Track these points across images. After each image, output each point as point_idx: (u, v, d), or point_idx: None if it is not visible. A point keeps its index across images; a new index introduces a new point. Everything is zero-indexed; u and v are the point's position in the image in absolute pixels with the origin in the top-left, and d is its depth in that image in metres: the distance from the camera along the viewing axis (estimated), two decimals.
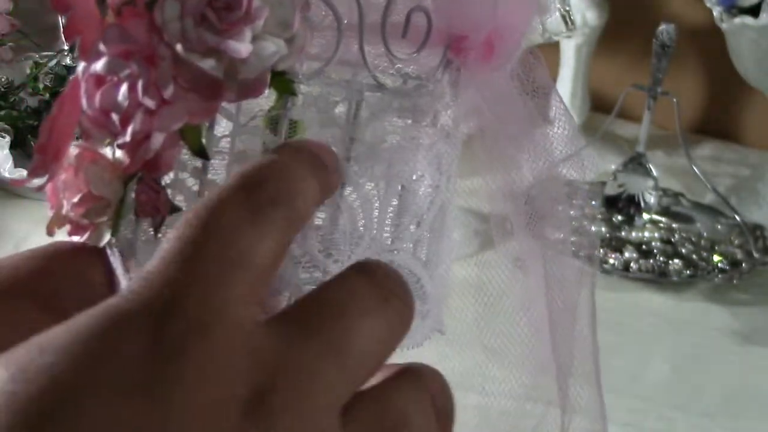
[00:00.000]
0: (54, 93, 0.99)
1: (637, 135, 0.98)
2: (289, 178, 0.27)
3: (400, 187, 0.34)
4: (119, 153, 0.30)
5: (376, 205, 0.33)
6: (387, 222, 0.34)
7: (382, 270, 0.29)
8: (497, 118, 0.37)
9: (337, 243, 0.32)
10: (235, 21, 0.28)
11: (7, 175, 0.90)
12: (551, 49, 1.16)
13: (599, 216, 0.97)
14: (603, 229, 0.95)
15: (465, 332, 0.39)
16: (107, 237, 0.32)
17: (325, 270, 0.32)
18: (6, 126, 0.95)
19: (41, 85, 1.01)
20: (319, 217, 0.33)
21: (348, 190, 0.33)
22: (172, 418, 0.23)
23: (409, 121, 0.34)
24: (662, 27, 0.93)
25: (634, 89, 0.96)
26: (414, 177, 0.34)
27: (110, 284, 0.32)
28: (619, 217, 0.97)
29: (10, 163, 0.91)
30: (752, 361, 0.81)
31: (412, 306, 0.28)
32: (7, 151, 0.92)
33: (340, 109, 0.33)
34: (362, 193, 0.33)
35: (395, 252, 0.34)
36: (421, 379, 0.28)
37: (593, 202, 1.00)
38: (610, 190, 0.98)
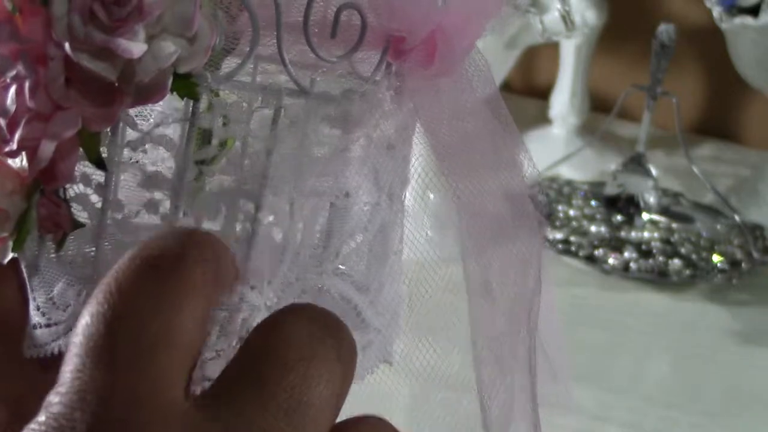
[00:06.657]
0: None
1: (637, 135, 0.97)
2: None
3: (329, 204, 0.31)
4: (26, 162, 0.27)
5: (300, 225, 0.30)
6: (313, 243, 0.31)
7: (311, 309, 0.26)
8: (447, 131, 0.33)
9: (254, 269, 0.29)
10: (126, 17, 0.25)
11: None
12: (551, 49, 1.16)
13: (599, 216, 0.97)
14: (603, 229, 0.95)
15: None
16: (10, 253, 0.30)
17: (242, 297, 0.28)
18: None
19: None
20: (232, 245, 0.29)
21: (265, 210, 0.29)
22: None
23: (339, 131, 0.30)
24: (662, 27, 0.93)
25: (634, 89, 0.96)
26: (346, 193, 0.31)
27: (25, 301, 0.30)
28: (619, 217, 0.96)
29: None
30: (752, 361, 0.81)
31: (349, 342, 0.26)
32: None
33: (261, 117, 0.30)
34: (281, 210, 0.29)
35: (323, 275, 0.31)
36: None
37: (593, 202, 1.00)
38: (610, 190, 0.98)
